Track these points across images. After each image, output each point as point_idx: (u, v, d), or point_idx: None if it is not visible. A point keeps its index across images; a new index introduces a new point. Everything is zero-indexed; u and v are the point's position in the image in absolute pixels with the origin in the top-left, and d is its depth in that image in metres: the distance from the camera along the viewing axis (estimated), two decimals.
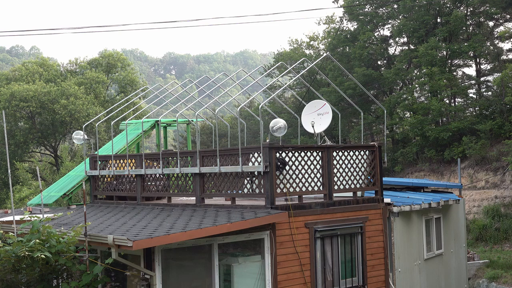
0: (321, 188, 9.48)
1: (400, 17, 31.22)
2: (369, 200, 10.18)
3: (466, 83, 29.59)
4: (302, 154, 9.27)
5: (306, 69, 14.99)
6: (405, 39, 31.88)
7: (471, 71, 36.31)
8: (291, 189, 9.09)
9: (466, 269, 14.29)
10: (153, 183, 11.08)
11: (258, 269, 8.80)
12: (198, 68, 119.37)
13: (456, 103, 29.15)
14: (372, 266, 10.07)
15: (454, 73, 29.53)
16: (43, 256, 7.05)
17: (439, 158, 26.54)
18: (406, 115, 29.52)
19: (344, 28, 34.05)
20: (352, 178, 9.92)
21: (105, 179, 12.21)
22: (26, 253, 7.02)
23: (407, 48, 31.58)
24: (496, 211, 21.95)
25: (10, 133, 32.45)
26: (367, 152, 10.19)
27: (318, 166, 9.47)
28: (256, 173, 9.02)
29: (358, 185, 10.02)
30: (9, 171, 8.58)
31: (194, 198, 10.24)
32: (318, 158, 9.48)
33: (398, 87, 32.17)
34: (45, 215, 9.05)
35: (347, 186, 9.85)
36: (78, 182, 12.98)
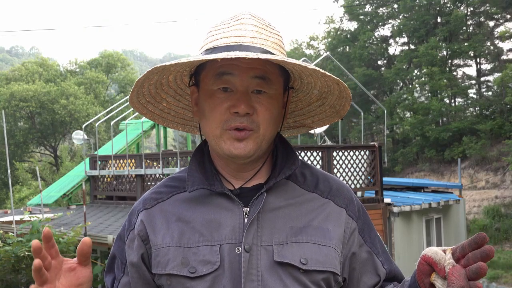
0: None
1: (400, 17, 31.23)
2: (369, 200, 10.16)
3: (466, 83, 29.60)
4: (302, 154, 9.26)
5: None
6: (405, 39, 31.90)
7: (471, 71, 36.40)
8: None
9: None
10: (153, 183, 11.07)
11: None
12: None
13: (456, 103, 29.15)
14: None
15: (454, 73, 29.54)
16: None
17: (439, 158, 26.53)
18: (406, 115, 29.53)
19: (344, 28, 34.08)
20: (352, 178, 9.91)
21: (105, 179, 12.21)
22: (26, 253, 7.00)
23: (407, 48, 31.58)
24: (496, 211, 21.95)
25: (10, 133, 32.41)
26: (367, 152, 10.18)
27: (318, 166, 9.46)
28: None
29: (358, 185, 10.00)
30: (8, 171, 8.56)
31: None
32: (318, 158, 9.47)
33: (398, 87, 32.17)
34: (45, 215, 9.03)
35: None
36: (78, 182, 12.98)
